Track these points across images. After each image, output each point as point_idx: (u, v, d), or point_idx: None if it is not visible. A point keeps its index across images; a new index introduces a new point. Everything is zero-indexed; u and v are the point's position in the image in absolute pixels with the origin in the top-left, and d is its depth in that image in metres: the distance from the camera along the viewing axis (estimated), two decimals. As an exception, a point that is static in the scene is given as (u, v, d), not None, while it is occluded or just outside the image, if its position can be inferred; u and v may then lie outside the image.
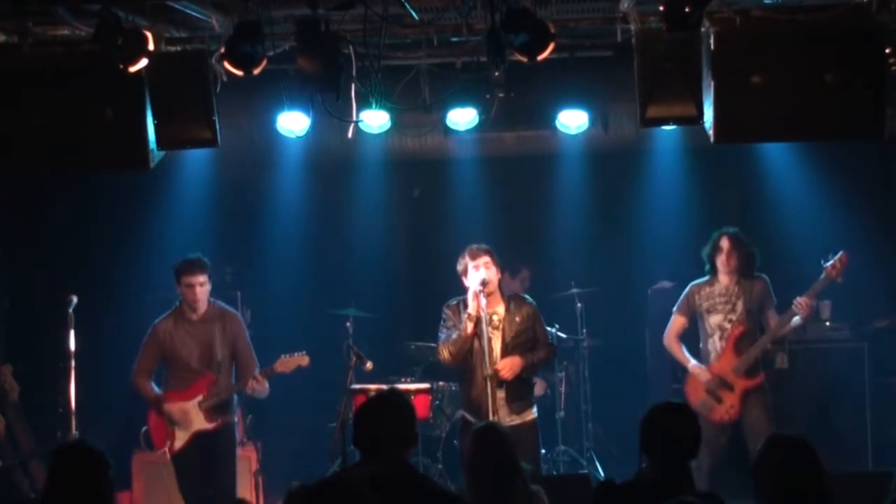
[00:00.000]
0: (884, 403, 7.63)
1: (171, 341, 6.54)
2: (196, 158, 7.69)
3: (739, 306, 6.63)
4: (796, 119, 5.65)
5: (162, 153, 6.03)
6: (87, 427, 6.76)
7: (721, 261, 6.68)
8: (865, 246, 7.26)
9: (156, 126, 5.88)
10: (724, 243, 6.67)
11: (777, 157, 8.17)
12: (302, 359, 6.53)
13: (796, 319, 6.58)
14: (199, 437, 6.51)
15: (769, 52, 5.57)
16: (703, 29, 5.47)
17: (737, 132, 5.73)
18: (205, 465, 6.57)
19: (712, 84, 5.52)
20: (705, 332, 6.74)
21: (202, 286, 6.51)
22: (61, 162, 6.04)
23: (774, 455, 3.87)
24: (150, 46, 5.44)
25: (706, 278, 6.77)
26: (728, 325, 6.63)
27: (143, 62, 5.46)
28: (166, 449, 6.52)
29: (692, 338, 6.86)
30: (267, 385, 6.52)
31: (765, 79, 5.54)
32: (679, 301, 6.86)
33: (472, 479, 4.49)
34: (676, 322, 6.85)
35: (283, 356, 6.53)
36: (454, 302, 6.31)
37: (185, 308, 6.58)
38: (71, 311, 6.52)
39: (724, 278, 6.70)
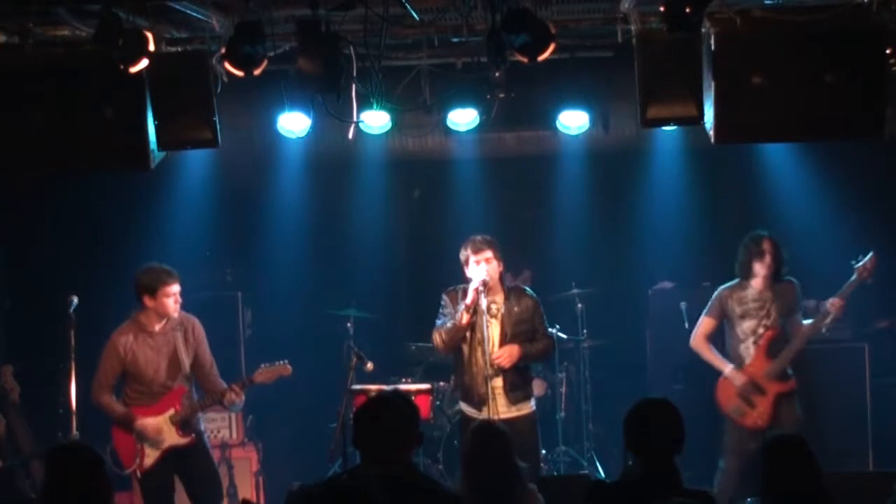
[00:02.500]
0: (884, 403, 7.62)
1: (133, 357, 6.19)
2: (196, 159, 7.69)
3: (773, 312, 6.57)
4: (796, 119, 5.66)
5: (162, 153, 6.04)
6: (88, 427, 6.76)
7: (764, 264, 6.55)
8: (865, 246, 7.25)
9: (156, 126, 5.88)
10: (768, 246, 6.56)
11: (777, 157, 8.16)
12: (283, 368, 6.29)
13: (828, 321, 6.55)
14: (172, 454, 6.18)
15: (769, 52, 5.57)
16: (703, 29, 5.48)
17: (737, 132, 5.73)
18: (181, 478, 6.30)
19: (713, 84, 5.52)
20: (736, 337, 6.65)
21: (179, 295, 6.25)
22: (62, 162, 6.02)
23: (770, 453, 3.90)
24: (151, 47, 5.44)
25: (736, 282, 6.68)
26: (762, 331, 6.57)
27: (144, 62, 5.46)
28: (135, 468, 6.16)
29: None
30: (243, 397, 6.27)
31: (765, 79, 5.55)
32: (710, 304, 6.74)
33: (469, 475, 4.51)
34: (706, 324, 6.74)
35: (262, 366, 6.30)
36: (452, 288, 6.32)
37: (152, 318, 6.24)
38: (71, 311, 6.51)
39: (757, 283, 6.60)
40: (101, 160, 6.00)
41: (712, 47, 5.49)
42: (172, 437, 6.19)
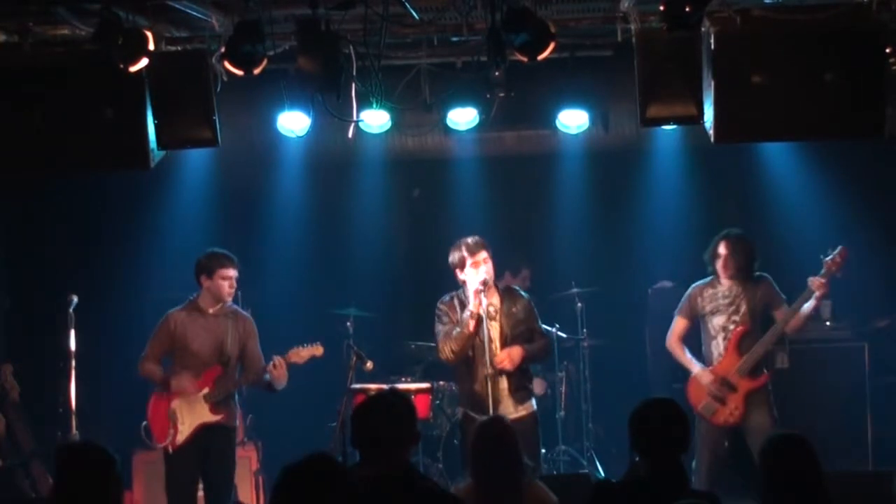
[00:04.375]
0: (884, 403, 7.61)
1: (183, 331, 6.39)
2: (196, 158, 7.69)
3: (743, 307, 6.54)
4: (796, 119, 5.66)
5: (162, 153, 6.04)
6: (87, 427, 6.76)
7: (720, 265, 6.59)
8: (865, 246, 7.26)
9: (156, 126, 5.89)
10: (722, 249, 6.57)
11: (777, 156, 8.17)
12: (316, 349, 6.43)
13: (808, 305, 6.42)
14: (203, 431, 6.32)
15: (769, 51, 5.57)
16: (703, 29, 5.48)
17: (737, 132, 5.73)
18: (204, 461, 6.39)
19: (712, 84, 5.52)
20: (708, 335, 6.65)
21: (235, 280, 6.48)
22: (62, 162, 6.03)
23: (771, 453, 3.90)
24: (151, 46, 5.45)
25: (708, 280, 6.69)
26: (731, 327, 6.55)
27: (144, 62, 5.47)
28: (168, 444, 6.30)
29: (694, 340, 6.81)
30: (286, 373, 6.34)
31: (765, 78, 5.55)
32: (681, 303, 6.77)
33: (476, 468, 4.51)
34: (679, 324, 6.75)
35: (295, 347, 6.39)
36: (448, 298, 6.29)
37: (207, 300, 6.44)
38: (71, 310, 6.52)
39: (725, 280, 6.62)
40: (101, 160, 6.01)
41: (712, 46, 5.49)
42: (205, 414, 6.33)
